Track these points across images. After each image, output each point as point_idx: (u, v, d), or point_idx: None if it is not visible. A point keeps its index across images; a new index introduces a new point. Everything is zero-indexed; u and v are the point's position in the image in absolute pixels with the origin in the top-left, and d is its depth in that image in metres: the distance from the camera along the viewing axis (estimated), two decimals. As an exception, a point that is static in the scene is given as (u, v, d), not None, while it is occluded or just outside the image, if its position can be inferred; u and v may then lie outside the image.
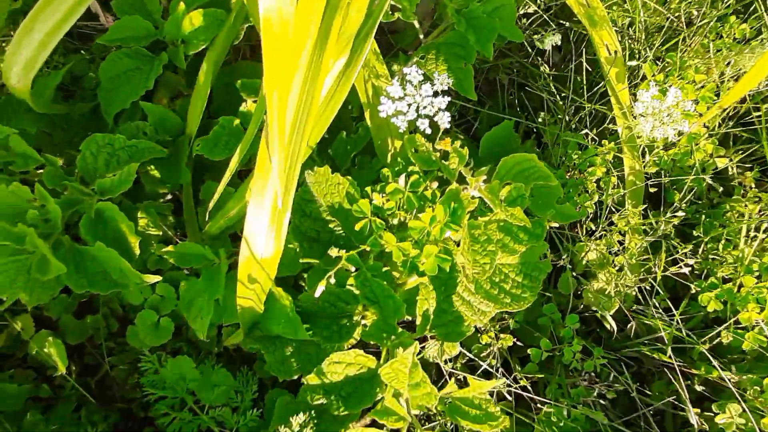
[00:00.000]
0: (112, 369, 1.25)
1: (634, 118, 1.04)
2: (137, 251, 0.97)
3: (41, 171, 1.06)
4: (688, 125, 0.96)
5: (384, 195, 0.80)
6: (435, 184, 0.81)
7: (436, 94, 0.86)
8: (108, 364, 1.25)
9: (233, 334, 1.11)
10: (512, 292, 0.88)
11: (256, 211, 0.71)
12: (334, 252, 0.75)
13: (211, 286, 0.99)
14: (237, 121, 1.08)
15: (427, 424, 0.93)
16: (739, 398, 1.02)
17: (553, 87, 1.29)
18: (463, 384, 0.88)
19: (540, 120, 1.28)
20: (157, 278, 0.98)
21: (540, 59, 1.32)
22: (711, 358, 1.05)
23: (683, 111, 0.96)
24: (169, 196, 1.22)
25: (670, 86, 0.99)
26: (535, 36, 1.32)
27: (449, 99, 0.86)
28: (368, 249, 0.77)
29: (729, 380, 1.02)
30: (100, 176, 0.99)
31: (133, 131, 1.06)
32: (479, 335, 1.14)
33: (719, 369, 1.01)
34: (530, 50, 1.34)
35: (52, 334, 1.19)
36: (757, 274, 1.05)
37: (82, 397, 1.25)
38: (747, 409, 1.03)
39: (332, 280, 0.76)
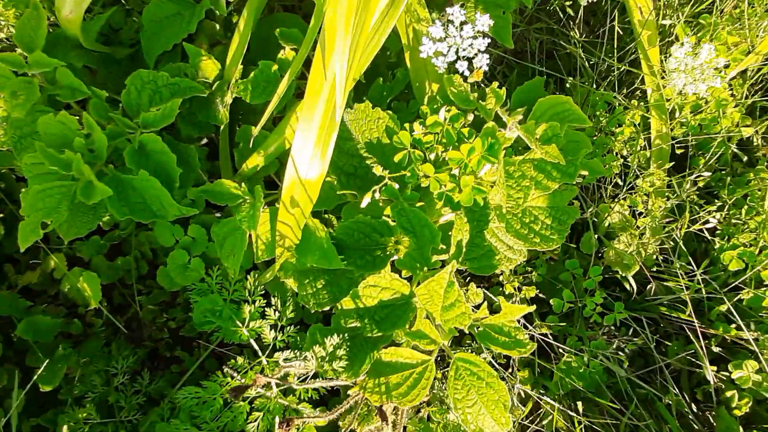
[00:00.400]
0: (141, 309, 1.28)
1: (663, 77, 1.05)
2: (177, 183, 1.00)
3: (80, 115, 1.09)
4: (720, 82, 0.98)
5: (424, 128, 0.82)
6: (471, 117, 0.83)
7: (475, 36, 0.88)
8: (137, 304, 1.29)
9: (261, 274, 1.14)
10: (541, 233, 0.90)
11: (304, 129, 0.74)
12: (378, 170, 0.78)
13: (245, 222, 1.02)
14: (275, 67, 1.11)
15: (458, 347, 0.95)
16: (759, 354, 1.04)
17: (582, 53, 1.31)
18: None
19: (568, 86, 1.30)
20: (195, 210, 1.01)
21: (571, 23, 1.34)
22: (732, 315, 1.06)
23: (716, 68, 0.98)
24: (204, 141, 1.25)
25: (703, 45, 1.01)
26: (563, 11, 1.34)
27: (488, 41, 0.88)
28: (408, 174, 0.79)
29: (749, 337, 1.03)
30: (144, 111, 1.02)
31: (175, 71, 1.09)
32: (502, 287, 1.16)
33: (742, 326, 1.03)
34: (561, 16, 1.35)
35: (85, 272, 1.22)
36: (779, 235, 1.07)
37: (111, 334, 1.29)
38: (766, 368, 1.05)
39: (377, 195, 0.79)
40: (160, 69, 1.17)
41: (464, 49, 0.88)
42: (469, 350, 1.03)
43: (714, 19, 1.15)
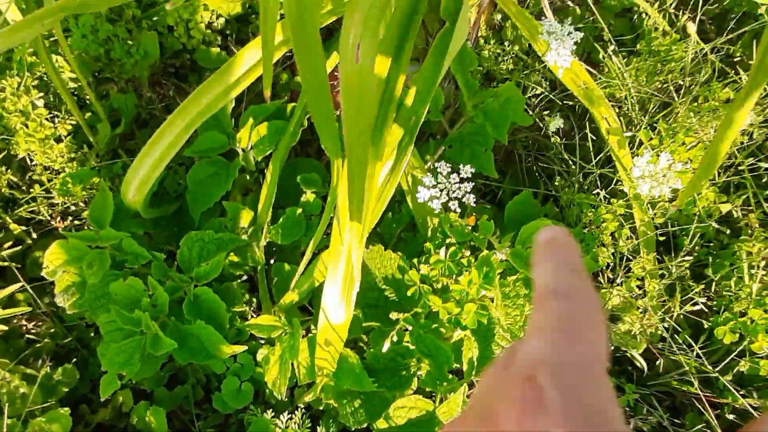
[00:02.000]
0: (200, 432, 1.42)
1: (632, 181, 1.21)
2: (227, 326, 1.17)
3: (139, 274, 1.29)
4: (681, 183, 1.13)
5: (429, 265, 0.99)
6: (468, 253, 0.99)
7: (462, 180, 1.06)
8: (197, 429, 1.43)
9: (305, 393, 1.28)
10: (544, 338, 1.04)
11: (331, 286, 0.91)
12: (394, 315, 0.93)
13: (287, 351, 1.18)
14: (299, 210, 1.30)
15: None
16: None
17: (565, 155, 1.48)
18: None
19: (556, 184, 1.47)
20: (243, 348, 1.17)
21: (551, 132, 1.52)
22: (734, 387, 1.16)
23: (676, 171, 1.14)
24: (244, 278, 1.44)
25: (663, 151, 1.17)
26: (541, 120, 1.53)
27: (472, 184, 1.06)
28: (420, 311, 0.95)
29: (751, 406, 1.12)
30: (195, 266, 1.22)
31: (217, 226, 1.29)
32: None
33: (740, 397, 1.12)
34: (541, 124, 1.54)
35: (149, 406, 1.38)
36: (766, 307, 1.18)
37: (177, 460, 1.42)
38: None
39: (395, 338, 0.94)
40: (203, 222, 1.38)
41: (454, 191, 1.06)
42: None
43: (672, 120, 1.32)
